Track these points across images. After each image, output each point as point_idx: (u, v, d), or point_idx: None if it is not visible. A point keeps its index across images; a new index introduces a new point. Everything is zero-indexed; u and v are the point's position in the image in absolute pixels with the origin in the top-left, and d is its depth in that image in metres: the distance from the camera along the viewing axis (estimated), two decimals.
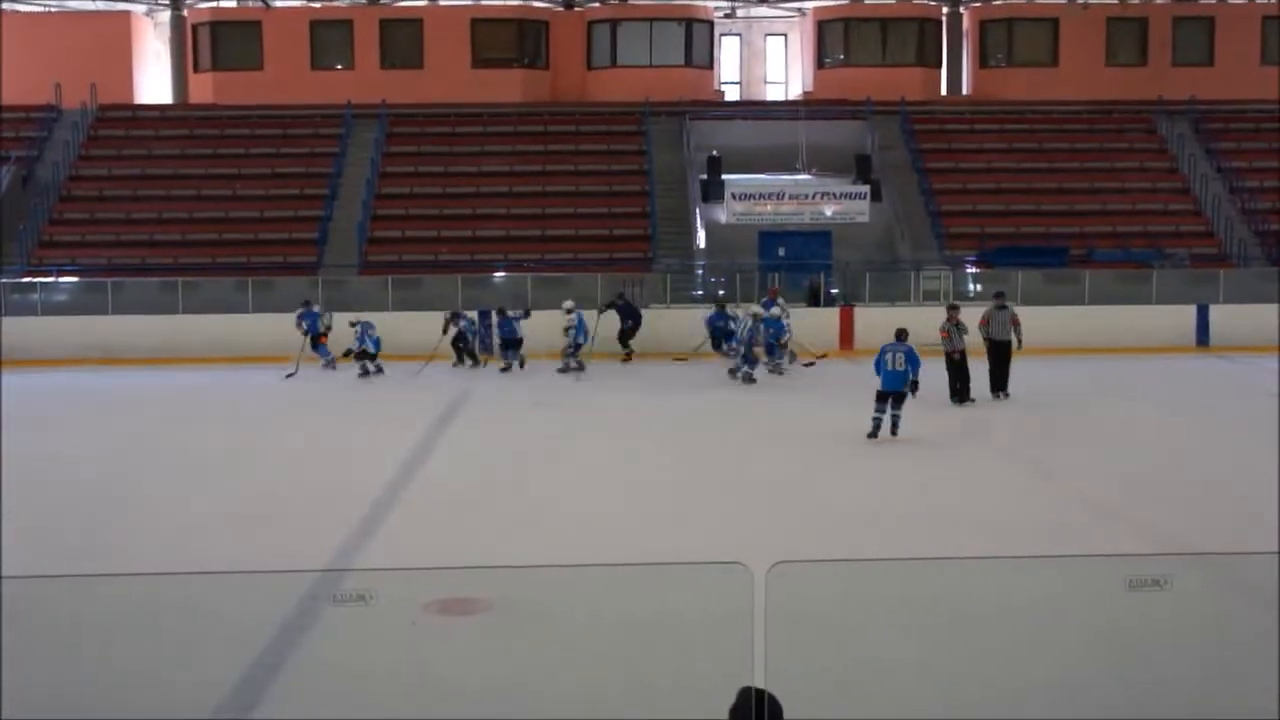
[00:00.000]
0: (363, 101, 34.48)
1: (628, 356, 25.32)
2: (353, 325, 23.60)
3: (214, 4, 38.96)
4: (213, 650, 7.44)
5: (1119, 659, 7.03)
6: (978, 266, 30.04)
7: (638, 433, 17.80)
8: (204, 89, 36.61)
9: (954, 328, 19.36)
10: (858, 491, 13.75)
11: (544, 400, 20.66)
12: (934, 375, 18.73)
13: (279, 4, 38.78)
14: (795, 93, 39.33)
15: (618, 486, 14.07)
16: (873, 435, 16.44)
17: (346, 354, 23.66)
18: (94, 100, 34.75)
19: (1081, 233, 31.03)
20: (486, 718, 6.79)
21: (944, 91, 38.27)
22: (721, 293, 28.00)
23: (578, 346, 23.75)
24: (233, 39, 36.83)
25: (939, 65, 38.19)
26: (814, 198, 31.52)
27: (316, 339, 24.08)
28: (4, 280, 28.27)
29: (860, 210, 31.23)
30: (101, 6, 38.75)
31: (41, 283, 28.42)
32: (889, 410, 16.48)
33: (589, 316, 24.48)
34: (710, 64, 38.19)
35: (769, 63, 41.11)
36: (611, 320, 25.46)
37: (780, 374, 22.91)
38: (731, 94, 39.88)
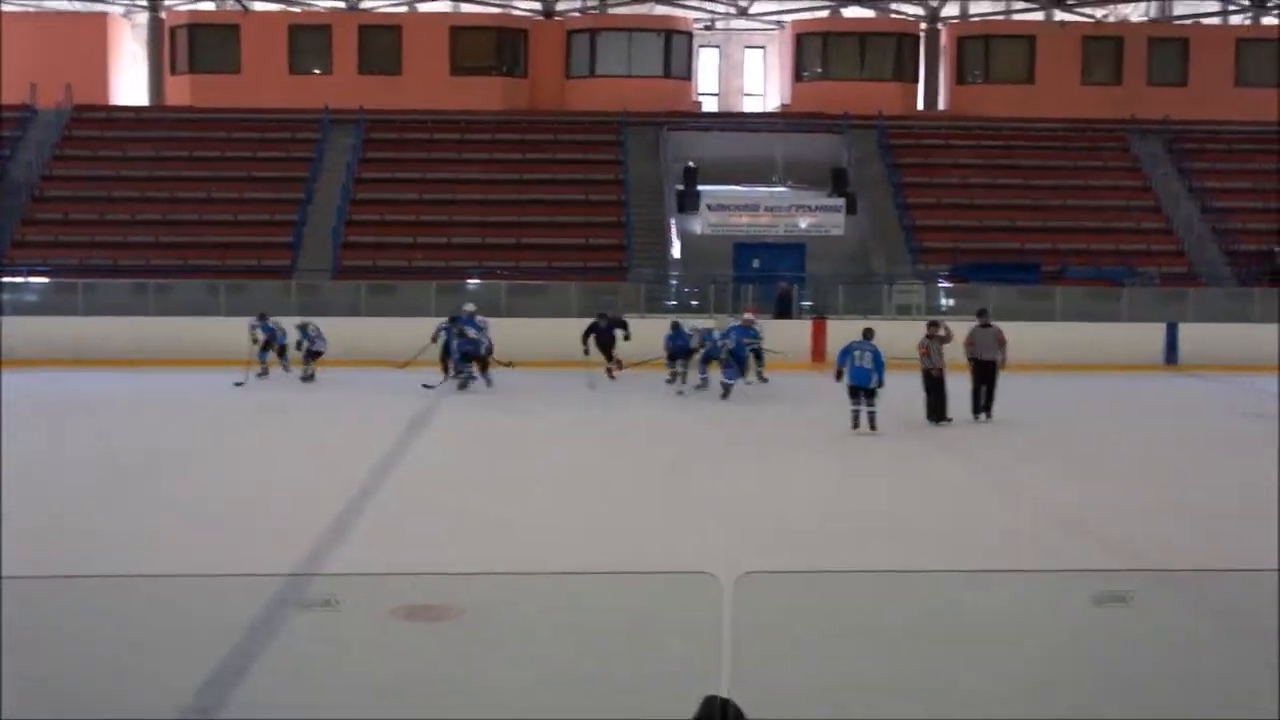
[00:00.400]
0: (340, 107, 34.38)
1: (618, 367, 24.23)
2: (301, 328, 23.54)
3: (192, 6, 38.87)
4: (179, 651, 7.42)
5: (1083, 672, 7.09)
6: (951, 281, 30.18)
7: (608, 442, 17.81)
8: (181, 91, 36.45)
9: (933, 344, 18.66)
10: (828, 503, 13.79)
11: (514, 409, 20.63)
12: (911, 392, 18.81)
13: (257, 7, 38.70)
14: (773, 105, 39.48)
15: (588, 496, 14.07)
16: (855, 426, 17.70)
17: (308, 357, 23.47)
18: (69, 100, 34.57)
19: (1054, 249, 31.21)
20: None
21: (921, 106, 38.46)
22: (678, 303, 27.94)
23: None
24: (210, 42, 36.69)
25: (916, 80, 38.37)
26: (789, 210, 31.62)
27: (283, 348, 23.89)
28: None
29: (835, 223, 31.34)
30: (79, 7, 38.61)
31: (13, 282, 28.26)
32: (864, 405, 17.67)
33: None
34: (689, 75, 38.28)
35: (747, 75, 41.27)
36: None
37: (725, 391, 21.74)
38: (709, 105, 40.01)
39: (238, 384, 22.72)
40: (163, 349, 25.83)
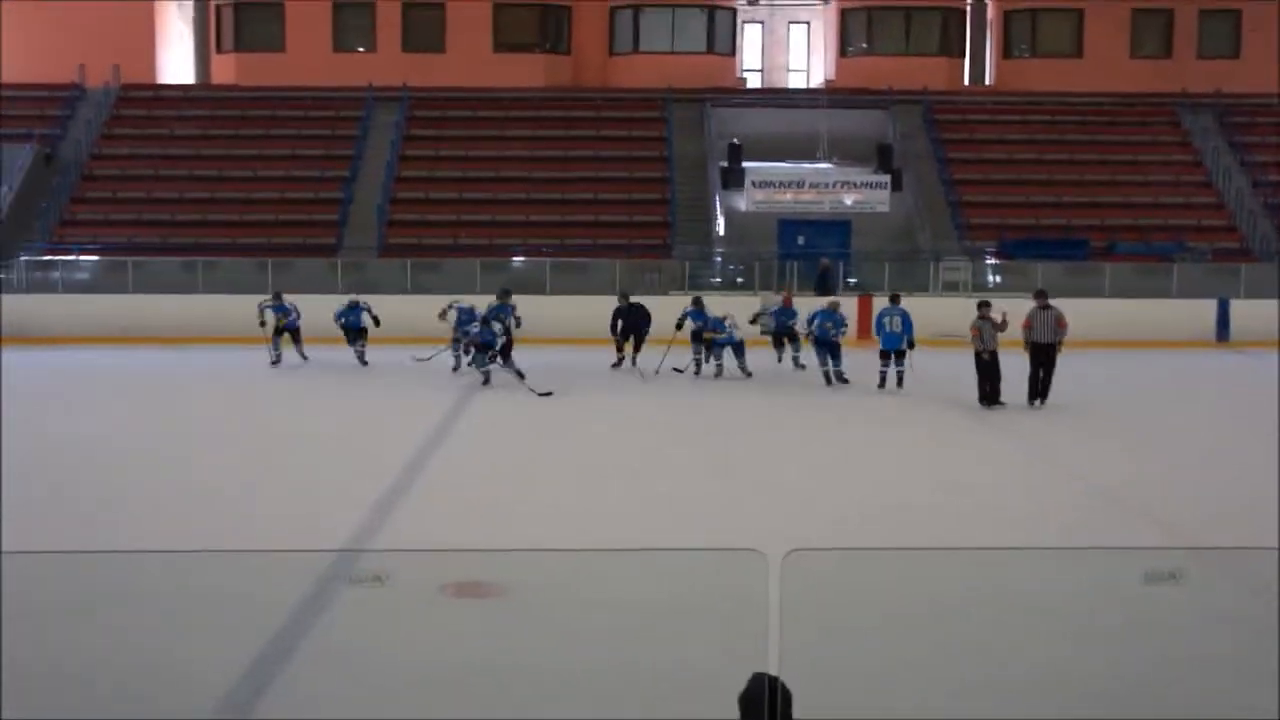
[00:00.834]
0: (384, 84, 34.50)
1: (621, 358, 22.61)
2: (350, 306, 22.54)
3: None
4: (228, 629, 7.48)
5: (1132, 650, 7.04)
6: (997, 258, 29.94)
7: (652, 424, 17.79)
8: (226, 70, 36.70)
9: (984, 325, 18.10)
10: (875, 482, 13.74)
11: (558, 392, 20.62)
12: (963, 373, 18.65)
13: None
14: (817, 81, 39.20)
15: (632, 475, 14.07)
16: (882, 386, 19.31)
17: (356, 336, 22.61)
18: (117, 80, 34.86)
19: (1103, 225, 30.90)
20: (497, 700, 6.82)
21: (967, 82, 38.14)
22: (722, 280, 27.71)
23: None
24: (255, 20, 36.89)
25: (962, 55, 38.05)
26: (834, 186, 31.43)
27: (296, 331, 22.65)
28: (26, 257, 28.45)
29: (881, 200, 31.12)
30: None
31: (63, 260, 28.61)
32: (892, 366, 19.14)
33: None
34: (732, 51, 38.11)
35: (791, 51, 40.95)
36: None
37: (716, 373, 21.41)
38: (753, 82, 39.77)
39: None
40: (211, 326, 26.05)
